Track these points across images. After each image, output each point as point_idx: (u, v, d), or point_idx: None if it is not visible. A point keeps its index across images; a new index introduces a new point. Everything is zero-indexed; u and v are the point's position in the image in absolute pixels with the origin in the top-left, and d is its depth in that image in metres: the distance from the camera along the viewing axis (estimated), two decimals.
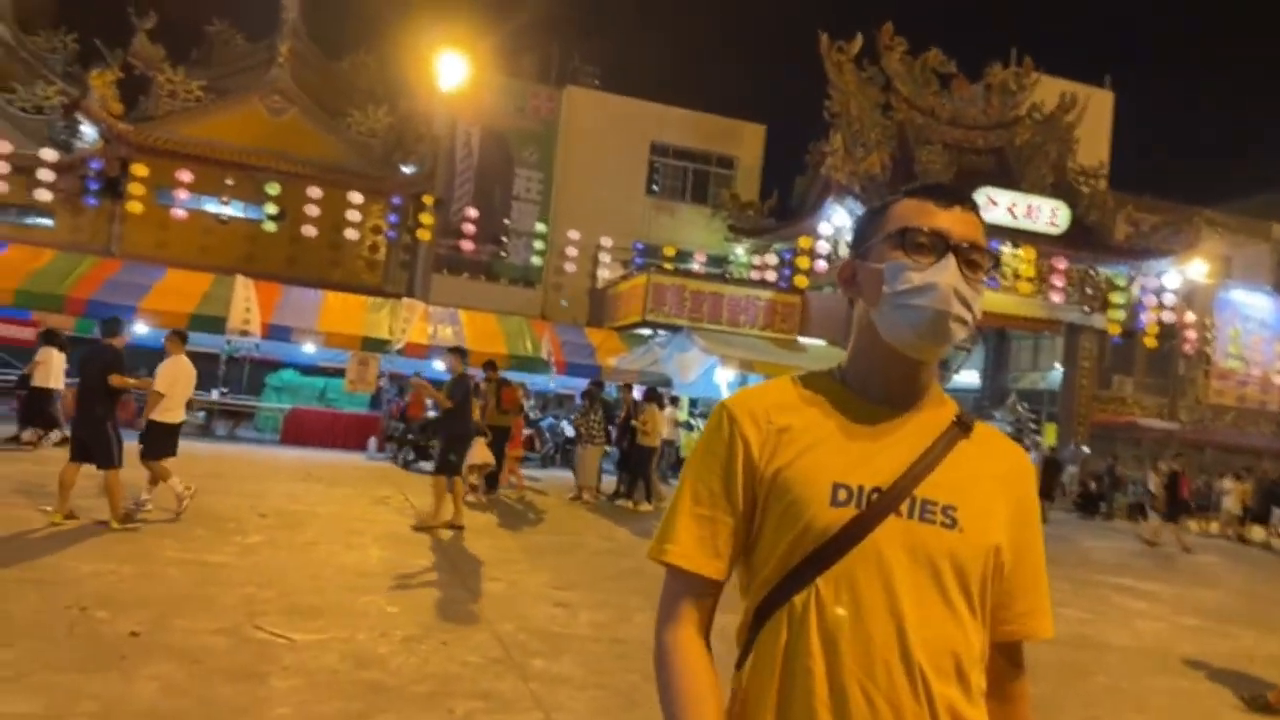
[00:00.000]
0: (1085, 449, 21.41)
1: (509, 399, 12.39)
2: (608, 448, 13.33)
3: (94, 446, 7.27)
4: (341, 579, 6.41)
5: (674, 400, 17.95)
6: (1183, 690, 6.01)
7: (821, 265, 19.47)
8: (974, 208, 1.24)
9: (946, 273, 1.17)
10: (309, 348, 16.99)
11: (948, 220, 1.20)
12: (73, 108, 20.62)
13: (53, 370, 12.20)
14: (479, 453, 11.24)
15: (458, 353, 9.82)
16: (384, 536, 8.27)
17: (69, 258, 16.89)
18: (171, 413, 8.06)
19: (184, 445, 13.17)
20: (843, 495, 1.17)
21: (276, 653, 4.63)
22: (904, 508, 1.16)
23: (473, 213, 22.48)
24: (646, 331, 19.86)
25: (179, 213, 19.81)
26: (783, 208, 23.79)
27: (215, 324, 15.74)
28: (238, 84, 22.71)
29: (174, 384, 8.01)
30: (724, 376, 17.89)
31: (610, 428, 13.45)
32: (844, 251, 19.31)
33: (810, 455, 1.19)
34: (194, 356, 20.45)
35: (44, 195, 19.18)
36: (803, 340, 19.30)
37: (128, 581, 5.66)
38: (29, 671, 3.98)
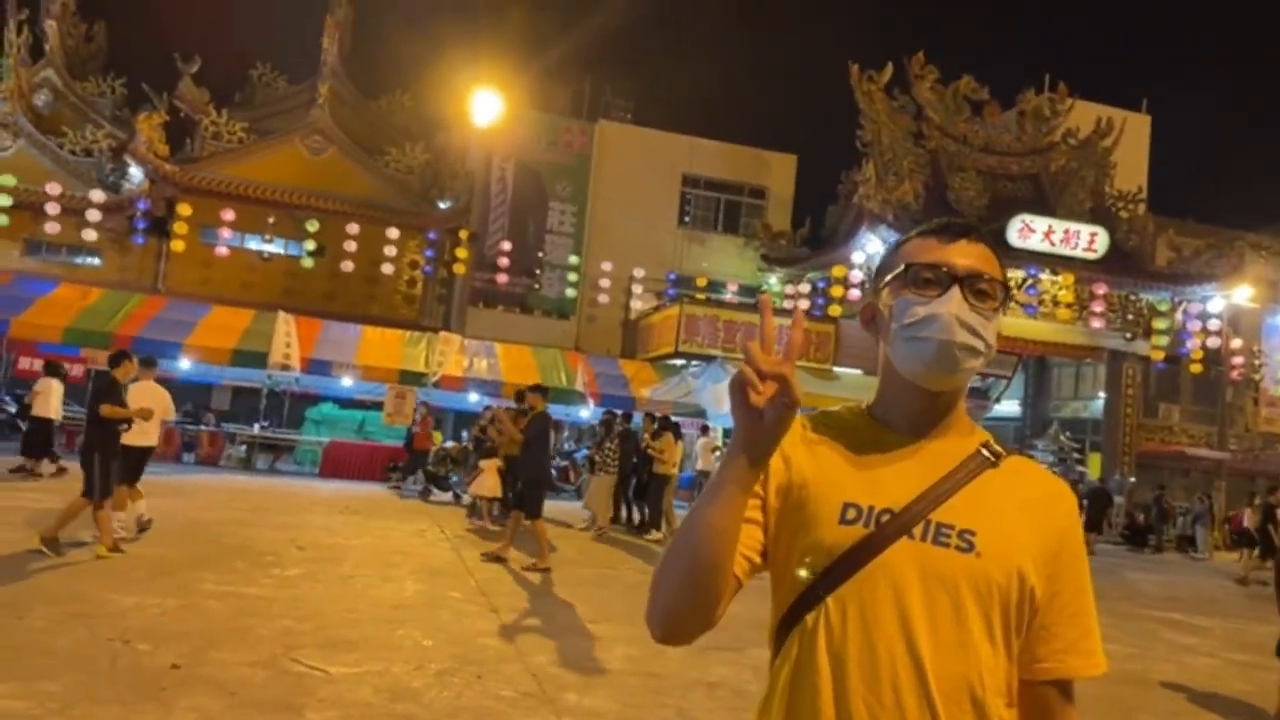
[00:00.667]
0: (1131, 479, 20.93)
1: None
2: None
3: (84, 474, 7.35)
4: (377, 611, 6.45)
5: (705, 430, 17.90)
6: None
7: (855, 294, 19.40)
8: (982, 239, 1.26)
9: (950, 303, 1.19)
10: (347, 381, 17.25)
11: (952, 254, 1.23)
12: (120, 150, 21.33)
13: (52, 401, 12.47)
14: (488, 483, 11.52)
15: (539, 391, 9.54)
16: (420, 569, 8.31)
17: (116, 296, 17.37)
18: (141, 436, 8.03)
19: (227, 479, 13.42)
20: (851, 514, 1.18)
21: (312, 685, 4.67)
22: (917, 530, 1.17)
23: (507, 246, 22.77)
24: (680, 362, 19.88)
25: (222, 250, 20.32)
26: (815, 237, 23.77)
27: (257, 359, 16.06)
28: (279, 125, 23.34)
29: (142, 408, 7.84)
30: None
31: (635, 459, 13.37)
32: None
33: (827, 475, 1.22)
34: (237, 391, 20.85)
35: (92, 235, 19.79)
36: (837, 370, 19.18)
37: (169, 614, 5.75)
38: (73, 704, 4.05)
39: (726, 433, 18.23)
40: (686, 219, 25.36)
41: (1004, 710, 1.16)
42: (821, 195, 25.09)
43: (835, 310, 19.81)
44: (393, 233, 20.80)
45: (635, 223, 23.89)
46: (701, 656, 5.88)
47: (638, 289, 23.62)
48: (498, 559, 8.88)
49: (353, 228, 20.46)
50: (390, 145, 23.40)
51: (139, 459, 8.20)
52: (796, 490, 1.22)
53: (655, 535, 12.22)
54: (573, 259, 23.77)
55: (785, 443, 1.22)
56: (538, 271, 24.07)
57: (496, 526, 11.31)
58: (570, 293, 23.73)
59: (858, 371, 18.97)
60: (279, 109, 24.39)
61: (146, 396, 8.11)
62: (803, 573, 1.19)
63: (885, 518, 1.17)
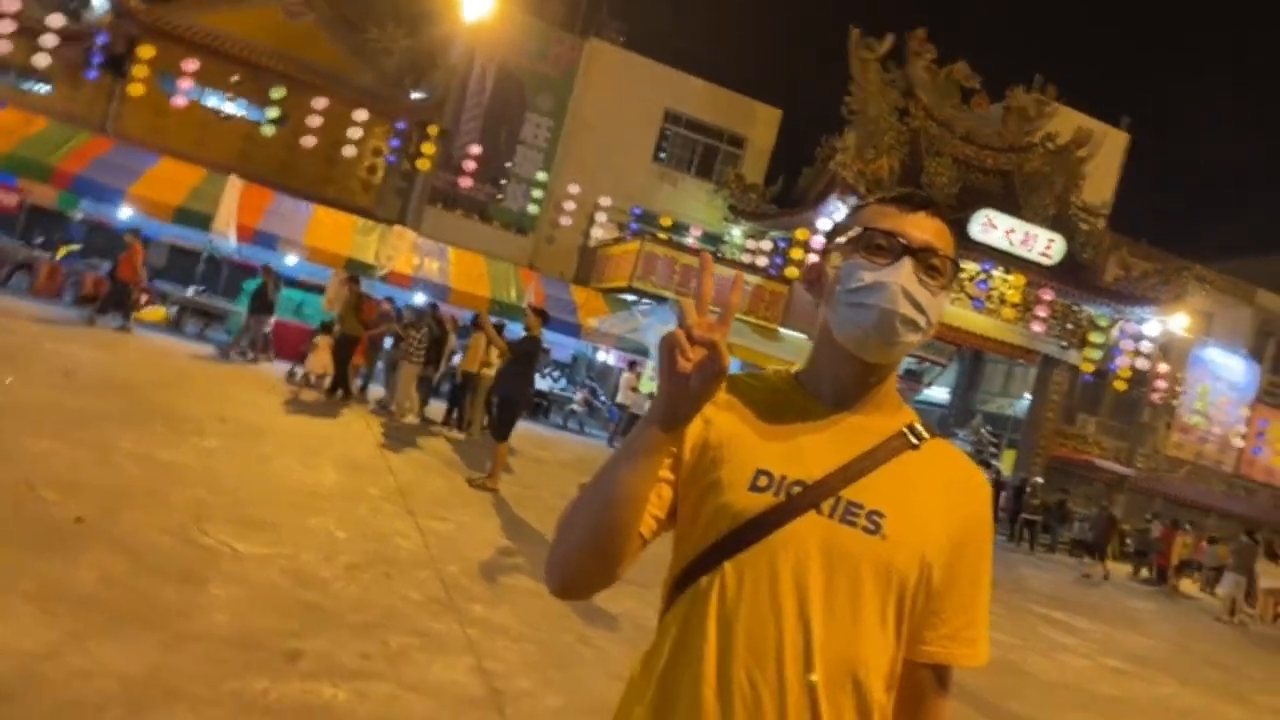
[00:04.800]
0: (1038, 479, 21.77)
1: (369, 311, 13.40)
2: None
3: None
4: (293, 497, 6.43)
5: (631, 365, 17.99)
6: None
7: (814, 259, 19.51)
8: (940, 214, 1.24)
9: (899, 273, 1.17)
10: (291, 259, 16.80)
11: (909, 224, 1.20)
12: None
13: None
14: (319, 360, 12.47)
15: (538, 314, 9.31)
16: (340, 460, 8.28)
17: (62, 129, 16.53)
18: None
19: (153, 339, 13.11)
20: (763, 482, 1.16)
21: (219, 560, 4.65)
22: (826, 506, 1.15)
23: (476, 150, 22.21)
24: (632, 298, 19.85)
25: (179, 101, 19.39)
26: (786, 196, 23.73)
27: (201, 220, 15.52)
28: None
29: None
30: None
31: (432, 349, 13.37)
32: None
33: (744, 439, 1.19)
34: (175, 250, 20.15)
35: (45, 61, 18.67)
36: (783, 331, 19.38)
37: (81, 466, 5.64)
38: None
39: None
40: (662, 155, 25.03)
41: (882, 693, 1.16)
42: (799, 155, 24.85)
43: (792, 272, 19.91)
44: (360, 114, 20.07)
45: (610, 150, 23.50)
46: (612, 588, 6.01)
47: (601, 217, 23.35)
48: (485, 488, 8.59)
49: (319, 102, 19.67)
50: (372, 23, 22.43)
51: None
52: (712, 450, 1.19)
53: (458, 435, 12.47)
54: (540, 175, 23.34)
55: (723, 395, 1.22)
56: (503, 182, 23.59)
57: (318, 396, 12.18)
58: (532, 209, 23.35)
59: (803, 336, 19.20)
60: None
61: None
62: (704, 534, 1.17)
63: (796, 489, 1.15)
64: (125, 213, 15.82)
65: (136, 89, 19.00)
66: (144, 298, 15.26)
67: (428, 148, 20.89)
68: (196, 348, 14.51)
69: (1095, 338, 21.78)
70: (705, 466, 1.19)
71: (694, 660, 1.14)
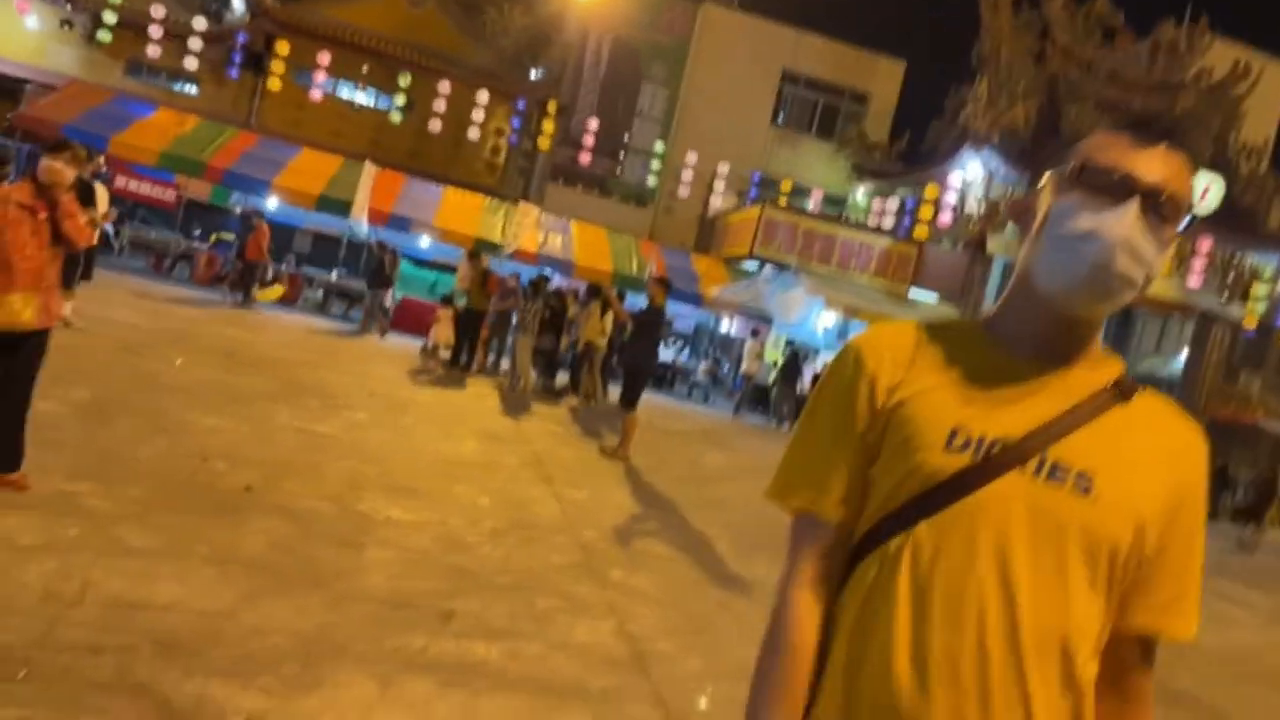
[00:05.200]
0: None
1: (493, 286, 13.47)
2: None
3: None
4: (438, 465, 6.70)
5: (754, 333, 17.79)
6: (1269, 703, 5.79)
7: (946, 218, 18.71)
8: (1184, 150, 1.08)
9: (1121, 221, 1.03)
10: (424, 241, 17.43)
11: (1140, 160, 1.06)
12: None
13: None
14: (442, 331, 12.81)
15: (661, 284, 9.39)
16: (479, 431, 8.56)
17: (211, 126, 17.62)
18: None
19: (303, 320, 13.84)
20: (959, 441, 1.07)
21: (374, 526, 4.90)
22: (1030, 466, 1.06)
23: (594, 124, 22.35)
24: (753, 265, 19.61)
25: (315, 94, 20.34)
26: (912, 152, 22.83)
27: (340, 207, 16.29)
28: None
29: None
30: (826, 320, 17.60)
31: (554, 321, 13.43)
32: (971, 206, 18.53)
33: (933, 395, 1.11)
34: (318, 237, 21.13)
35: (193, 64, 19.94)
36: (914, 293, 18.75)
37: (245, 440, 6.04)
38: (152, 509, 4.32)
39: (789, 342, 18.14)
40: (780, 118, 24.51)
41: (1090, 666, 1.08)
42: (926, 109, 23.93)
43: (921, 232, 19.18)
44: (482, 96, 20.53)
45: (727, 116, 23.19)
46: (746, 555, 6.01)
47: (720, 185, 23.10)
48: (617, 457, 8.70)
49: (444, 86, 20.23)
50: (489, 5, 22.86)
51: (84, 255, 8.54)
52: (905, 406, 1.11)
53: (583, 402, 12.54)
54: (658, 146, 23.28)
55: (897, 352, 1.15)
56: (622, 155, 23.67)
57: (441, 370, 12.51)
58: (651, 181, 23.33)
59: (934, 298, 18.53)
60: None
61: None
62: (893, 495, 1.10)
63: (996, 449, 1.06)
64: (272, 203, 16.77)
65: (275, 84, 20.04)
66: (269, 276, 16.13)
67: (547, 125, 21.18)
68: (340, 325, 15.28)
69: (1259, 289, 20.06)
70: (893, 429, 1.12)
71: (883, 628, 1.06)
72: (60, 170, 4.30)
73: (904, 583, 1.06)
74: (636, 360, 9.23)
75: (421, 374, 11.72)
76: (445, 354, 13.23)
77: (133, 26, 19.80)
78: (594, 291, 13.20)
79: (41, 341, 4.34)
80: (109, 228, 16.17)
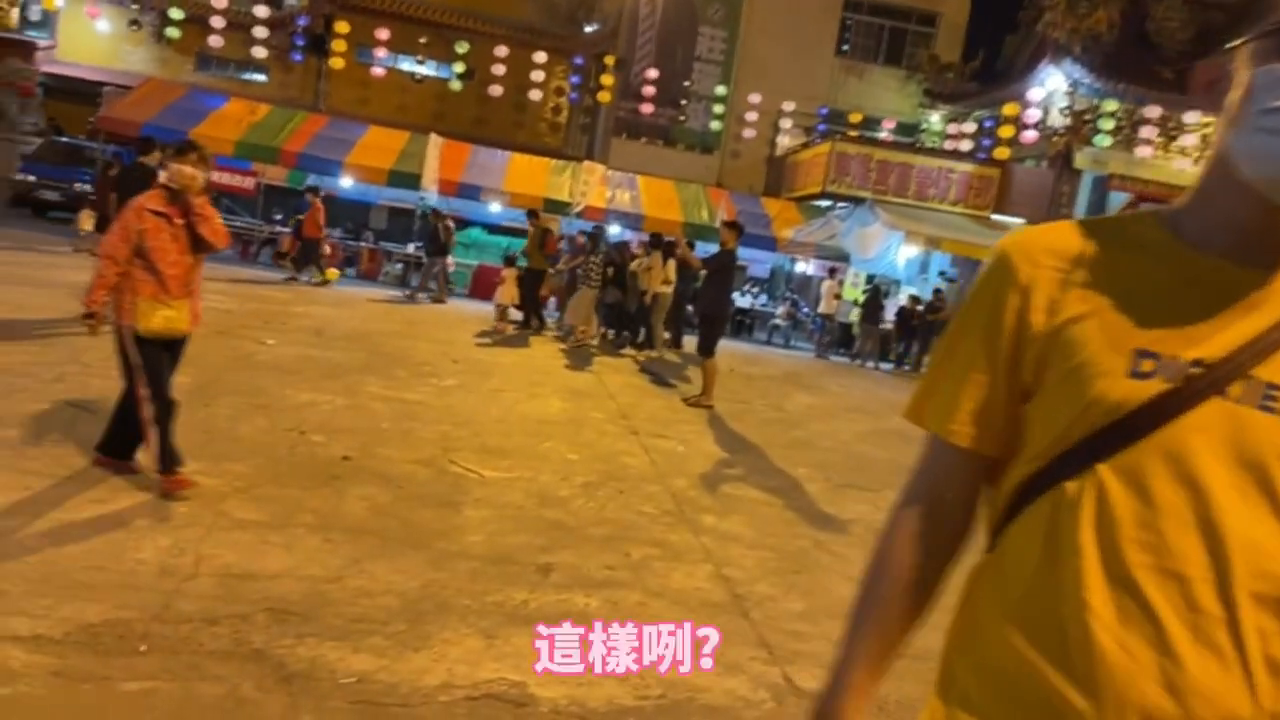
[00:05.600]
0: None
1: (550, 245, 13.56)
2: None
3: None
4: (525, 425, 6.77)
5: (831, 272, 17.36)
6: None
7: (1029, 135, 17.85)
8: None
9: None
10: (495, 207, 17.55)
11: None
12: None
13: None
14: (507, 291, 12.74)
15: (732, 226, 9.13)
16: (563, 389, 8.63)
17: (282, 112, 17.98)
18: None
19: (386, 293, 14.09)
20: (1148, 365, 0.91)
21: (468, 486, 4.99)
22: (1235, 390, 0.89)
23: (653, 74, 22.00)
24: (827, 203, 19.14)
25: (378, 70, 20.56)
26: (987, 71, 21.81)
27: (411, 180, 16.50)
28: None
29: None
30: (906, 253, 17.10)
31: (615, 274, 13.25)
32: (1056, 120, 17.64)
33: (1110, 312, 0.94)
34: (393, 211, 21.51)
35: (261, 52, 20.36)
36: (998, 218, 18.03)
37: (339, 412, 6.21)
38: (257, 484, 4.48)
39: (869, 279, 17.70)
40: (845, 48, 23.66)
41: None
42: (999, 23, 22.68)
43: (1003, 153, 18.37)
44: (540, 57, 20.42)
45: (789, 51, 22.50)
46: (838, 494, 5.93)
47: (786, 124, 22.53)
48: (700, 405, 8.67)
49: (501, 50, 20.20)
50: None
51: None
52: (1073, 326, 0.95)
53: (652, 354, 12.32)
54: (720, 90, 22.79)
55: (1058, 258, 0.99)
56: (683, 102, 23.25)
57: (512, 330, 12.60)
58: (715, 125, 22.90)
59: (1021, 221, 17.77)
60: None
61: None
62: (1067, 432, 0.94)
63: (1194, 370, 0.90)
64: (345, 182, 17.09)
65: (338, 64, 20.33)
66: (328, 250, 16.41)
67: (606, 79, 20.96)
68: (421, 297, 15.58)
69: None
70: (1060, 353, 0.96)
71: (1069, 583, 0.92)
72: (191, 174, 4.21)
73: (1087, 532, 0.91)
74: (711, 307, 9.13)
75: (495, 336, 11.86)
76: (515, 314, 13.33)
77: (198, 21, 20.27)
78: (655, 242, 13.09)
79: (184, 344, 4.41)
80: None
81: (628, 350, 12.79)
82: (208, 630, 2.96)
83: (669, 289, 12.52)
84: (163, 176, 4.36)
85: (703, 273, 9.83)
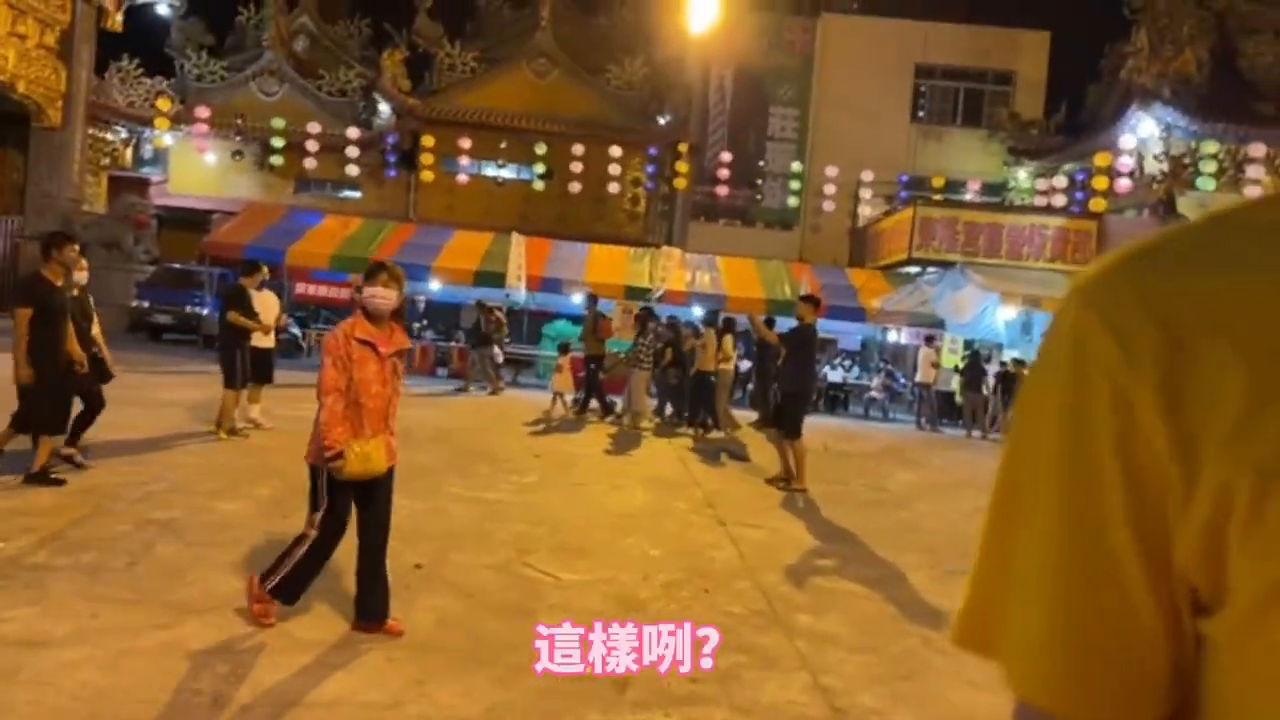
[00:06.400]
0: None
1: (605, 330, 13.60)
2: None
3: (222, 370, 8.43)
4: (606, 519, 6.51)
5: (928, 340, 16.69)
6: None
7: (1124, 184, 17.11)
8: None
9: None
10: (577, 298, 17.71)
11: None
12: (369, 88, 22.86)
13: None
14: (562, 380, 12.76)
15: (808, 300, 8.94)
16: (647, 478, 8.35)
17: (373, 224, 18.78)
18: (260, 339, 8.95)
19: (473, 392, 14.20)
20: None
21: (544, 591, 4.73)
22: None
23: (727, 157, 22.21)
24: (914, 269, 18.63)
25: (462, 178, 21.41)
26: (1072, 123, 21.20)
27: (496, 279, 16.84)
28: (506, 52, 23.96)
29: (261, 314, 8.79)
30: (1005, 315, 16.37)
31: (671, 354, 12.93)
32: (1151, 166, 16.87)
33: None
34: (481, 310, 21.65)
35: (354, 171, 21.48)
36: None
37: (417, 515, 6.07)
38: (325, 599, 4.31)
39: (968, 344, 17.00)
40: (920, 114, 23.45)
41: None
42: (1080, 75, 22.13)
43: (1099, 204, 17.64)
44: (615, 151, 20.90)
45: (863, 123, 22.41)
46: (948, 581, 5.42)
47: (866, 194, 22.29)
48: (784, 483, 8.40)
49: (578, 149, 20.78)
50: (610, 62, 23.36)
51: (262, 359, 9.10)
52: (1229, 477, 0.50)
53: (718, 434, 12.01)
54: (795, 166, 22.80)
55: (1144, 368, 0.52)
56: (759, 181, 23.34)
57: (572, 415, 12.64)
58: (793, 202, 22.84)
59: None
60: (505, 36, 25.04)
61: (261, 304, 8.95)
62: None
63: None
64: (434, 285, 17.57)
65: (427, 175, 21.26)
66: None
67: (681, 166, 21.23)
68: (510, 392, 15.67)
69: None
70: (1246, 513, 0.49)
71: None
72: (388, 295, 3.88)
73: None
74: (792, 383, 8.77)
75: (546, 422, 11.75)
76: (570, 399, 13.19)
77: (295, 147, 21.57)
78: (711, 320, 12.92)
79: (391, 481, 4.10)
80: (296, 330, 17.47)
81: (683, 430, 12.46)
82: None
83: (729, 365, 12.36)
84: (360, 300, 4.02)
85: (781, 350, 9.53)
